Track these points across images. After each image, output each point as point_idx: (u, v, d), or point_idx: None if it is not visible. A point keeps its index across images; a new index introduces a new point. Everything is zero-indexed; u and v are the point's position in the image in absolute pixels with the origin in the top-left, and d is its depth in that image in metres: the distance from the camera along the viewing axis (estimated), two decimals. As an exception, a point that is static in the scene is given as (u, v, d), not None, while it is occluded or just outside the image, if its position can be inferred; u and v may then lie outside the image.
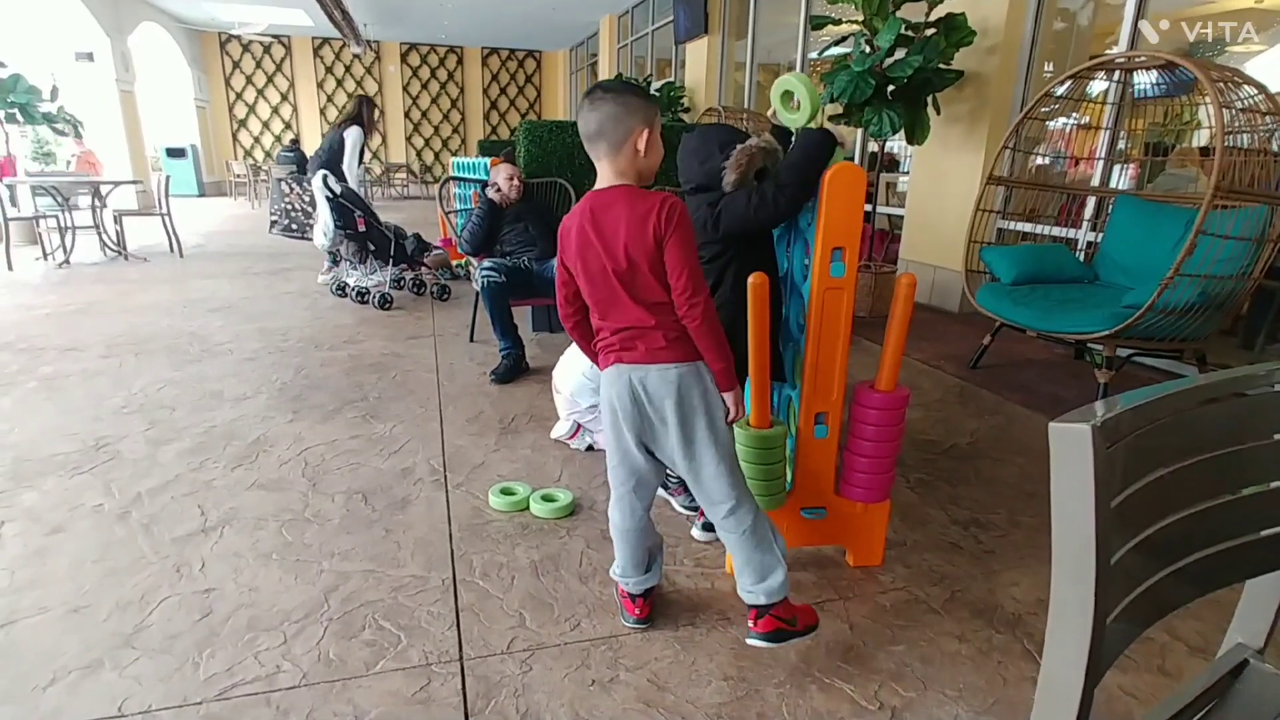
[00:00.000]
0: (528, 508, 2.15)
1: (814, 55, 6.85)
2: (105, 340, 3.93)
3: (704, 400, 1.46)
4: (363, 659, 1.52)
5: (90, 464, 2.42)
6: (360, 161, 5.34)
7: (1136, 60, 3.45)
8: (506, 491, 2.19)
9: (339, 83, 15.83)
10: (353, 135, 5.25)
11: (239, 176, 14.24)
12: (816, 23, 4.50)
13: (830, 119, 4.74)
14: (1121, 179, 4.05)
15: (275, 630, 1.61)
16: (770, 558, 1.49)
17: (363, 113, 5.32)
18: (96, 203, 6.63)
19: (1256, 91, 2.91)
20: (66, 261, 6.41)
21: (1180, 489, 0.77)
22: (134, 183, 7.78)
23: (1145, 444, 0.70)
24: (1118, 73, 3.71)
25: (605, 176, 1.43)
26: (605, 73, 12.44)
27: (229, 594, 1.74)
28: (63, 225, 6.44)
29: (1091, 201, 4.02)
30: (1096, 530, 0.64)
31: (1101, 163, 3.99)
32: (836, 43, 4.73)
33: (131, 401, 3.01)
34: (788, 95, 1.81)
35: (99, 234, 6.73)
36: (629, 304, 1.41)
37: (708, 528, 2.00)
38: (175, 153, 14.18)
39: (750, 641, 1.51)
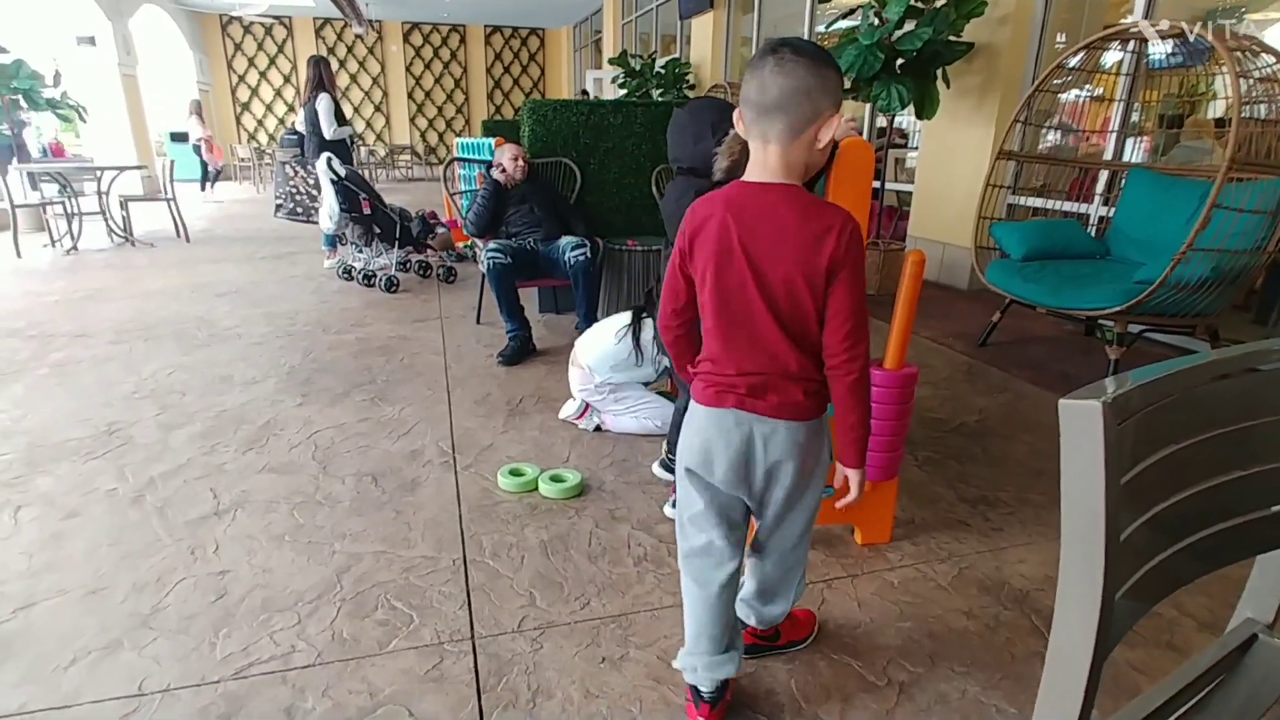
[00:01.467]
0: (536, 488, 2.17)
1: (821, 29, 6.74)
2: (114, 326, 3.95)
3: (820, 465, 1.23)
4: (376, 638, 1.54)
5: (103, 449, 2.45)
6: (341, 122, 5.31)
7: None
8: (515, 472, 2.21)
9: (341, 64, 15.70)
10: (323, 103, 5.25)
11: (243, 160, 14.20)
12: (823, -5, 4.43)
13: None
14: (1135, 152, 3.99)
15: (289, 611, 1.63)
16: (787, 598, 1.40)
17: (321, 75, 5.29)
18: (99, 189, 6.64)
19: (1275, 60, 2.85)
20: (74, 248, 6.43)
21: (1191, 465, 0.77)
22: (138, 168, 7.77)
23: (1156, 420, 0.70)
24: (1132, 43, 3.64)
25: (767, 167, 1.10)
26: (610, 50, 12.29)
27: (243, 575, 1.76)
28: (69, 211, 6.45)
29: (1104, 175, 3.96)
30: (1106, 507, 0.64)
31: (1114, 135, 3.93)
32: (844, 15, 4.66)
33: (142, 387, 3.03)
34: None
35: (105, 220, 6.75)
36: (770, 338, 1.12)
37: (665, 466, 2.17)
38: (179, 137, 14.14)
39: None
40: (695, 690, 1.31)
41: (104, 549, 1.87)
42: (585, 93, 12.31)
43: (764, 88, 1.06)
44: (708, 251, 1.13)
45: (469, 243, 6.03)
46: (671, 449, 2.12)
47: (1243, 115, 2.55)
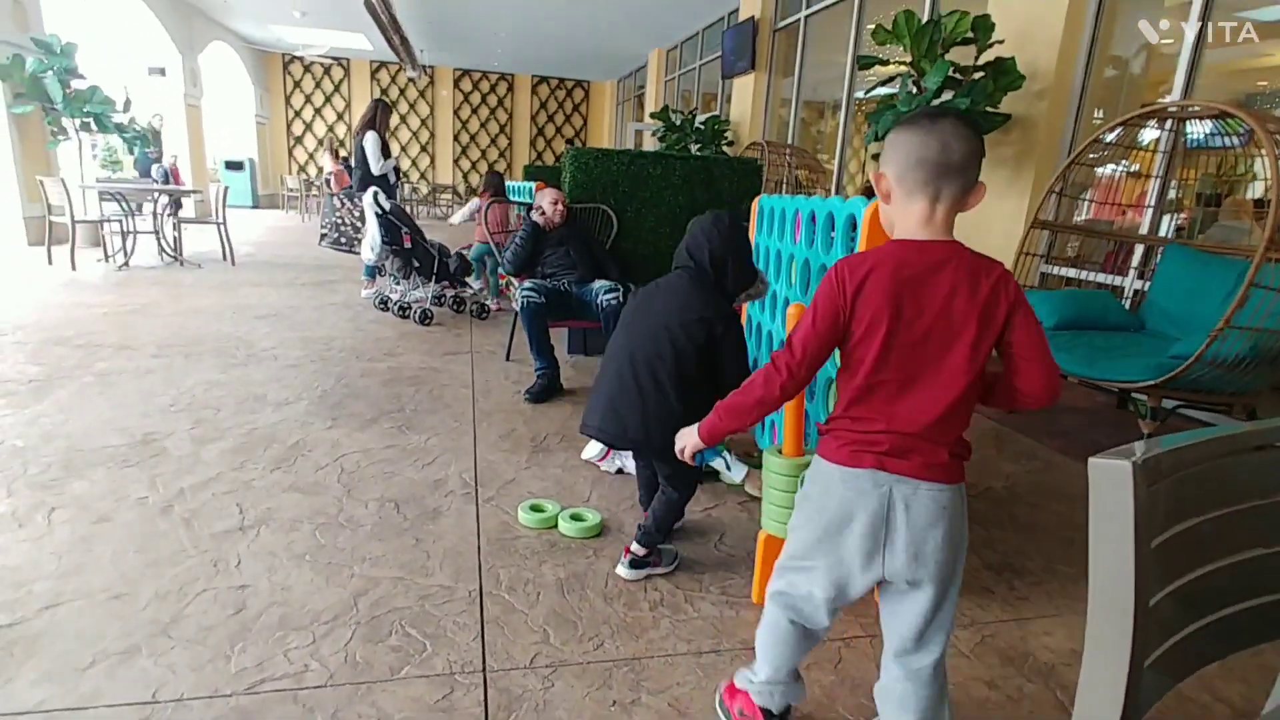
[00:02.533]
0: (556, 525, 2.17)
1: (860, 94, 6.89)
2: (157, 340, 4.08)
3: (964, 533, 1.19)
4: (388, 664, 1.54)
5: (138, 458, 2.51)
6: (386, 156, 5.54)
7: (1190, 109, 3.41)
8: (535, 508, 2.21)
9: (393, 104, 16.37)
10: (369, 141, 5.50)
11: (291, 190, 14.73)
12: (864, 62, 4.55)
13: (874, 158, 4.75)
14: (1170, 228, 3.98)
15: (305, 630, 1.64)
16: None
17: (376, 116, 5.54)
18: (166, 210, 6.93)
19: (1315, 145, 2.85)
20: (126, 264, 6.68)
21: (1222, 537, 0.76)
22: (194, 192, 8.11)
23: (1188, 486, 0.70)
24: (1170, 121, 3.67)
25: (930, 225, 1.14)
26: (652, 105, 12.65)
27: (262, 591, 1.78)
28: (125, 230, 6.73)
29: (1139, 249, 3.95)
30: (1136, 569, 0.64)
31: (1150, 210, 3.93)
32: (883, 83, 4.77)
33: (179, 400, 3.11)
34: None
35: (158, 239, 7.02)
36: (929, 398, 1.12)
37: (635, 565, 1.91)
38: (234, 165, 14.77)
39: None
40: (766, 711, 1.36)
41: (130, 555, 1.90)
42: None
43: (949, 149, 1.10)
44: (883, 299, 1.11)
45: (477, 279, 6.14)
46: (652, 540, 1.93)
47: (1283, 197, 2.55)
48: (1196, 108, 3.34)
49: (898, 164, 1.15)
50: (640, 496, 2.18)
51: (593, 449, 2.67)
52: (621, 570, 1.93)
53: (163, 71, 11.06)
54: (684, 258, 1.91)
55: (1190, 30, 3.72)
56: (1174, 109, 3.49)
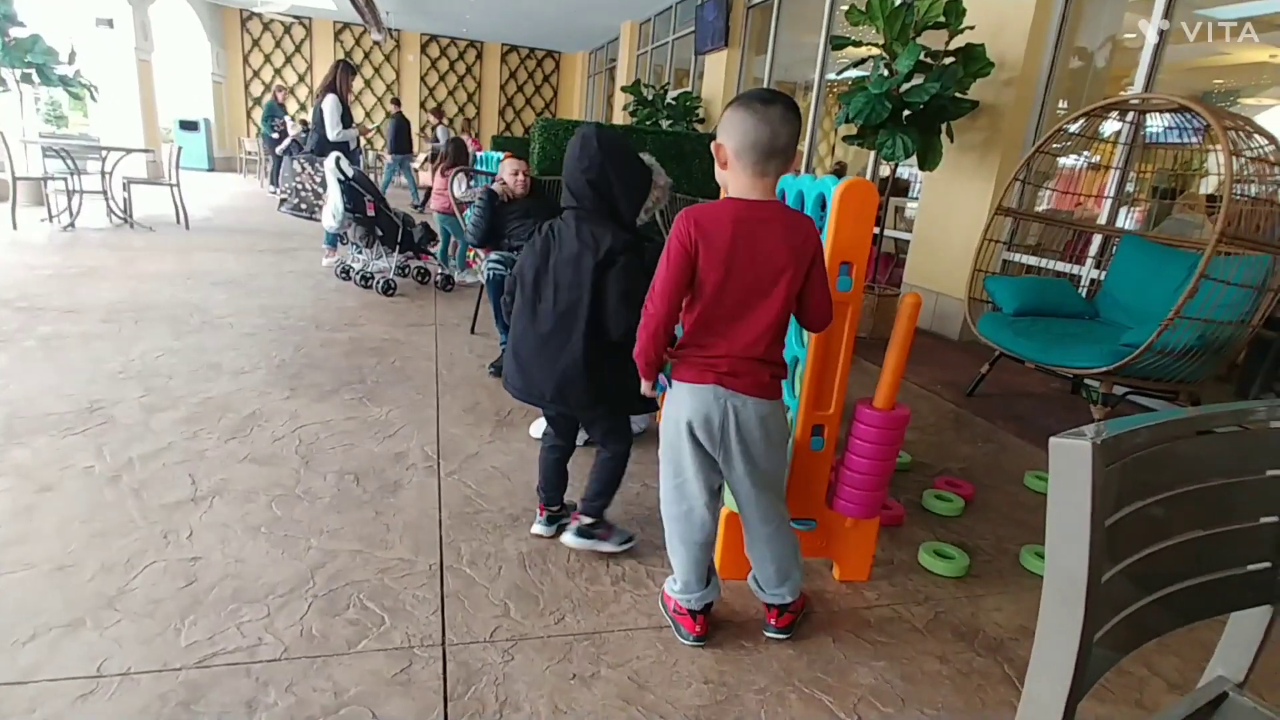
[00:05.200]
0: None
1: (832, 75, 6.89)
2: (106, 305, 3.92)
3: (781, 435, 1.52)
4: (345, 637, 1.52)
5: (83, 425, 2.42)
6: (347, 124, 5.40)
7: (1151, 102, 3.48)
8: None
9: (357, 69, 15.86)
10: (328, 104, 5.35)
11: (250, 153, 14.23)
12: (837, 43, 4.54)
13: (844, 139, 4.77)
14: (1128, 220, 4.08)
15: (259, 603, 1.61)
16: (797, 549, 1.62)
17: (336, 78, 5.38)
18: (104, 169, 6.63)
19: (1267, 142, 2.94)
20: (71, 225, 6.40)
21: (1171, 516, 0.78)
22: (145, 151, 7.77)
23: (1142, 468, 0.71)
24: (1131, 114, 3.74)
25: (759, 189, 1.38)
26: (623, 78, 12.49)
27: (215, 563, 1.74)
28: (70, 189, 6.43)
29: (1097, 239, 4.05)
30: (1090, 546, 0.65)
31: (1109, 202, 4.02)
32: (855, 64, 4.77)
33: (129, 367, 3.00)
34: None
35: (106, 200, 6.73)
36: (755, 325, 1.39)
37: (582, 534, 1.88)
38: (188, 125, 14.18)
39: (770, 634, 1.64)
40: (690, 611, 1.59)
41: (75, 526, 1.84)
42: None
43: (777, 133, 1.34)
44: (724, 248, 1.35)
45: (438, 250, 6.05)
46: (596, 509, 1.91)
47: (1234, 192, 2.63)
48: (1157, 101, 3.41)
49: (735, 141, 1.37)
50: (539, 482, 1.98)
51: (539, 428, 2.67)
52: (567, 538, 1.89)
53: (111, 23, 10.53)
54: (567, 197, 1.72)
55: (1153, 26, 3.79)
56: (1135, 102, 3.55)
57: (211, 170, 14.48)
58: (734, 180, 1.41)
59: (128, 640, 1.46)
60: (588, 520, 1.90)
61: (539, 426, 2.64)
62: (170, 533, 1.85)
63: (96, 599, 1.57)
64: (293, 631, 1.53)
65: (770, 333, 1.40)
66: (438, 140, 10.95)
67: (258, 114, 15.80)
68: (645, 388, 1.52)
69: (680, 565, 1.59)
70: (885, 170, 5.18)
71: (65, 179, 6.46)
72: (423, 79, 16.54)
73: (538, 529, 1.98)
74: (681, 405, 1.46)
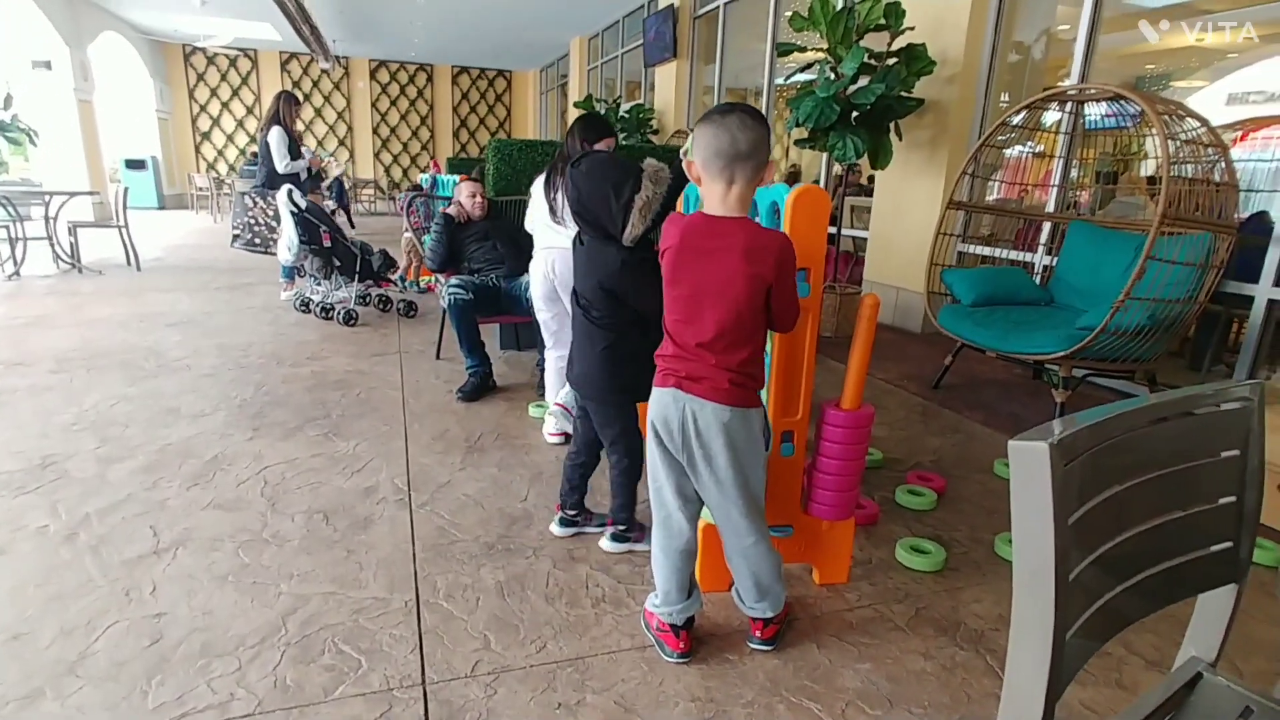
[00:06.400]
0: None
1: (780, 81, 6.99)
2: (55, 355, 3.80)
3: (748, 444, 1.48)
4: (321, 684, 1.48)
5: (35, 483, 2.33)
6: (295, 156, 5.31)
7: (1087, 92, 3.58)
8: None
9: (306, 97, 15.66)
10: (274, 137, 5.25)
11: (201, 189, 13.95)
12: (782, 49, 4.60)
13: (796, 143, 4.83)
14: (1075, 205, 4.18)
15: (229, 655, 1.56)
16: (777, 561, 1.59)
17: (279, 109, 5.30)
18: (47, 214, 6.44)
19: (1199, 124, 3.04)
20: (16, 274, 6.20)
21: (1134, 506, 0.80)
22: (90, 194, 7.57)
23: (1101, 462, 0.72)
24: (1070, 103, 3.85)
25: (726, 204, 1.40)
26: (576, 94, 12.53)
27: (181, 618, 1.68)
28: (13, 236, 6.23)
29: (1047, 226, 4.15)
30: (1056, 546, 0.66)
31: (1056, 189, 4.13)
32: (802, 69, 4.84)
33: (82, 418, 2.90)
34: None
35: (52, 246, 6.53)
36: (705, 329, 1.41)
37: (616, 539, 2.03)
38: (135, 164, 13.86)
39: (754, 645, 1.64)
40: (672, 626, 1.60)
41: (30, 590, 1.76)
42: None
43: (737, 140, 1.35)
44: (675, 258, 1.42)
45: (411, 279, 6.04)
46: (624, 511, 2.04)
47: (1172, 174, 2.71)
48: (1093, 90, 3.52)
49: (700, 154, 1.41)
50: (563, 488, 2.09)
51: (550, 424, 2.81)
52: (604, 544, 2.04)
53: (48, 65, 10.26)
54: (581, 225, 1.80)
55: (1085, 16, 3.91)
56: (1073, 92, 3.66)
57: (162, 208, 14.17)
58: (705, 194, 1.43)
59: (91, 708, 1.40)
60: (620, 526, 2.02)
61: (551, 424, 2.82)
62: (132, 589, 1.78)
63: (56, 666, 1.51)
64: (266, 683, 1.48)
65: (725, 338, 1.41)
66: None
67: (208, 149, 15.55)
68: None
69: (661, 576, 1.60)
70: (838, 170, 5.26)
71: (7, 227, 6.26)
72: (374, 105, 16.41)
73: (553, 528, 2.13)
74: (651, 408, 1.51)
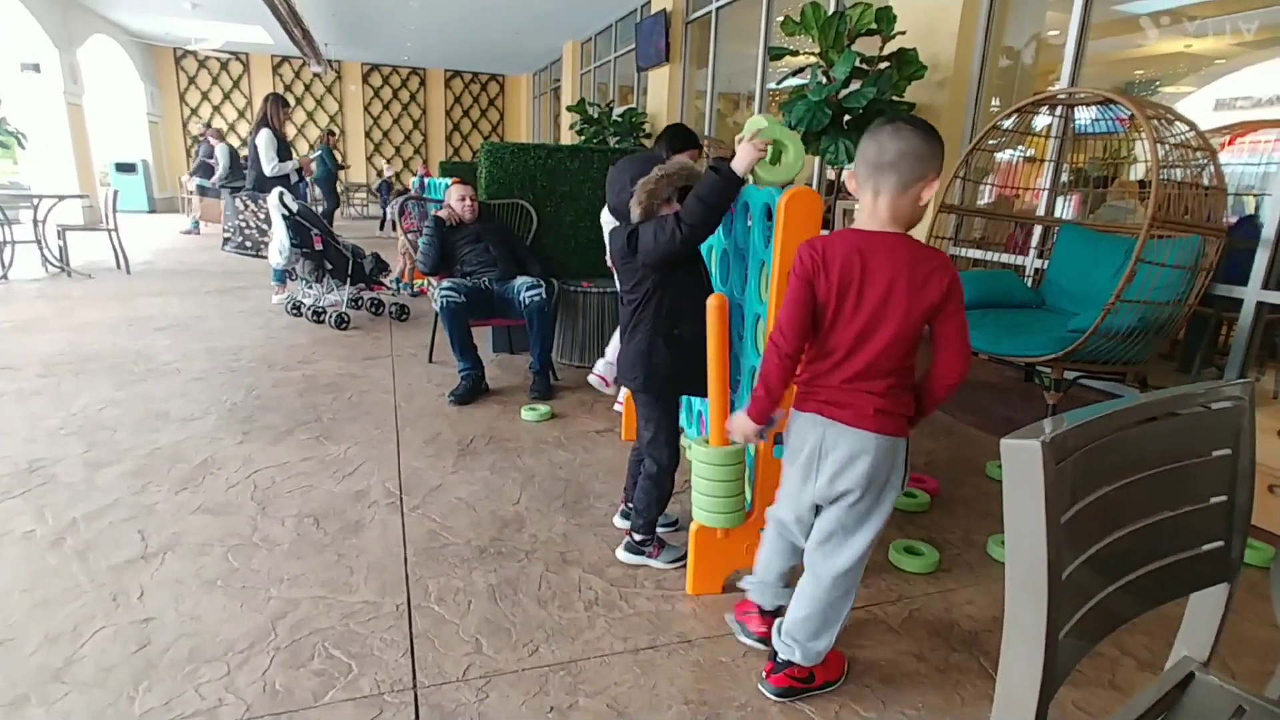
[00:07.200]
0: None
1: (773, 85, 7.01)
2: (43, 359, 3.77)
3: (889, 477, 1.41)
4: (311, 689, 1.46)
5: (22, 488, 2.31)
6: (284, 157, 5.29)
7: (1077, 96, 3.60)
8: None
9: (298, 100, 15.62)
10: (262, 139, 5.24)
11: (193, 193, 13.87)
12: (775, 54, 4.62)
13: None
14: (1066, 209, 4.21)
15: (218, 661, 1.54)
16: (834, 626, 1.47)
17: (267, 111, 5.29)
18: (36, 217, 6.39)
19: (1188, 129, 3.06)
20: (4, 277, 6.15)
21: (1126, 505, 0.79)
22: (79, 197, 7.52)
23: (1093, 460, 0.72)
24: (1060, 108, 3.87)
25: (876, 217, 1.32)
26: (568, 98, 12.54)
27: (169, 623, 1.66)
28: (1, 239, 6.18)
29: (1038, 230, 4.17)
30: (1048, 544, 0.65)
31: (1046, 193, 4.15)
32: (794, 73, 4.85)
33: (70, 422, 2.88)
34: (775, 150, 1.81)
35: (41, 249, 6.48)
36: (868, 357, 1.32)
37: (631, 550, 2.00)
38: (125, 167, 13.79)
39: (760, 688, 1.52)
40: (762, 610, 1.63)
41: (15, 596, 1.74)
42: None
43: (883, 148, 1.29)
44: (840, 272, 1.31)
45: (407, 281, 6.03)
46: (630, 498, 2.09)
47: (1161, 177, 2.73)
48: (1083, 95, 3.54)
49: (857, 164, 1.35)
50: (626, 483, 2.19)
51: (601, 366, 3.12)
52: (619, 553, 2.01)
53: (37, 68, 10.20)
54: (614, 216, 1.94)
55: (1074, 21, 3.93)
56: (1063, 96, 3.68)
57: (153, 212, 14.10)
58: (860, 207, 1.36)
59: (77, 714, 1.38)
60: (637, 536, 1.98)
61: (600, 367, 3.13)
62: (120, 594, 1.76)
63: (41, 673, 1.49)
64: (255, 689, 1.46)
65: (880, 372, 1.32)
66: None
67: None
68: (750, 429, 1.47)
69: (772, 556, 1.62)
70: (831, 174, 5.28)
71: (-6, 230, 6.21)
72: (366, 109, 16.38)
73: (616, 520, 2.20)
74: (790, 430, 1.47)
